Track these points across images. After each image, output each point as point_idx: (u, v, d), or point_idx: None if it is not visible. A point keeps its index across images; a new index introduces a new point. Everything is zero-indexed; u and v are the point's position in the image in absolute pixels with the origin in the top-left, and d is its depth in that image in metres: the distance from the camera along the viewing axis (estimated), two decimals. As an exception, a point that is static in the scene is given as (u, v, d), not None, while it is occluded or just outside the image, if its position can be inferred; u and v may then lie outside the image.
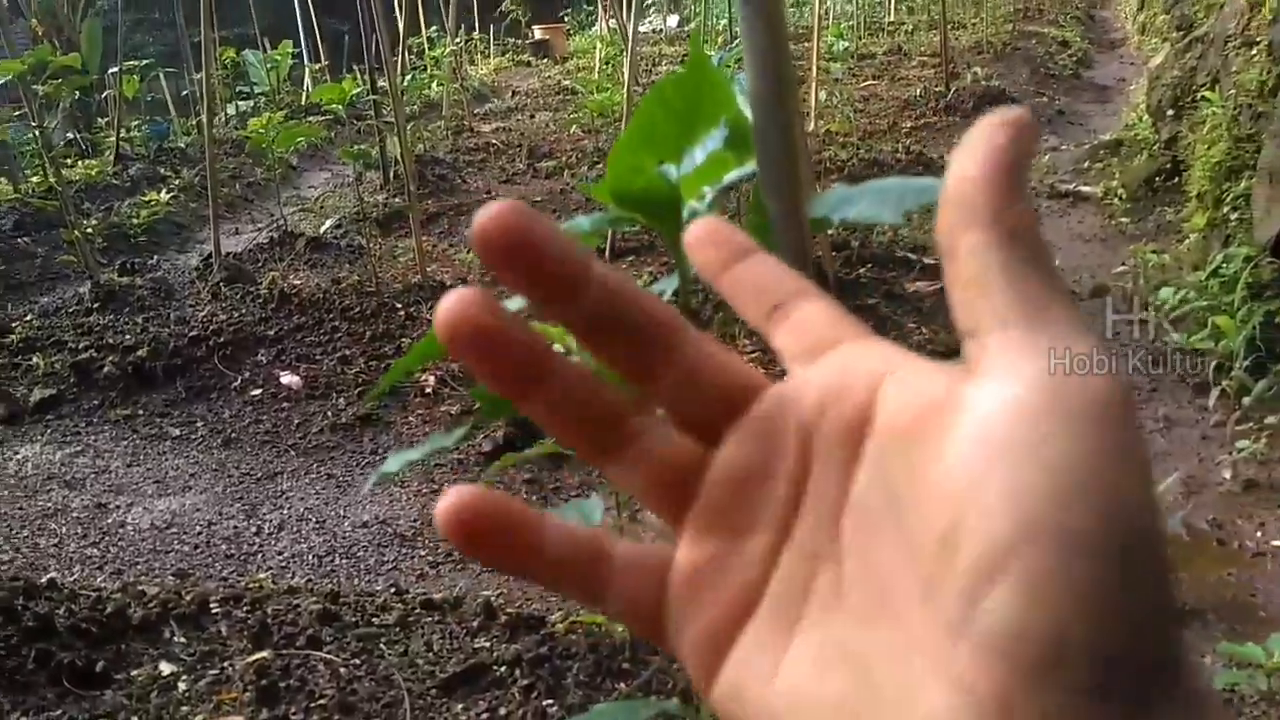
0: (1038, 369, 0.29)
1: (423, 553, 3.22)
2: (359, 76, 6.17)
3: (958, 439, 0.28)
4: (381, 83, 6.70)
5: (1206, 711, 0.27)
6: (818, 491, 0.33)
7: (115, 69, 8.63)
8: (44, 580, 2.73)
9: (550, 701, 1.98)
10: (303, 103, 11.49)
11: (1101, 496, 0.27)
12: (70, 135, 9.06)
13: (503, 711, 2.00)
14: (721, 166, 0.91)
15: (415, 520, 3.41)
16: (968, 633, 0.26)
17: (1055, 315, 0.30)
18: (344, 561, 3.20)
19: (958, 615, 0.27)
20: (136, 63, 9.08)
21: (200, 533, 3.42)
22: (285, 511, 3.53)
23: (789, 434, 0.34)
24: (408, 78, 6.05)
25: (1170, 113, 5.71)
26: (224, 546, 3.33)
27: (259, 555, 3.27)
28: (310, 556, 3.24)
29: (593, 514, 1.23)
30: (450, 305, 0.32)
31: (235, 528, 3.44)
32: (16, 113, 6.90)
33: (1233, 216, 4.38)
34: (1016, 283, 0.30)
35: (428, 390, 4.18)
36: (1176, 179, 5.51)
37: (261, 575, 3.02)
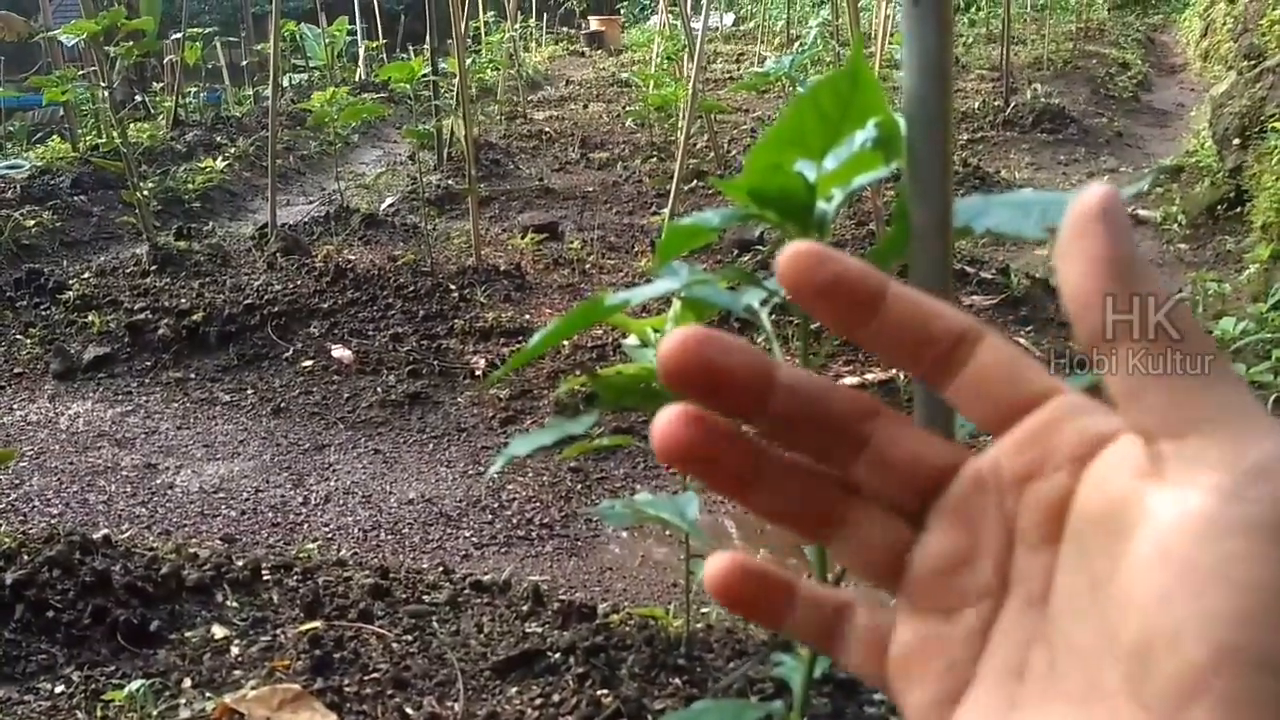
0: (1217, 481, 0.28)
1: (467, 533, 3.23)
2: (424, 56, 6.18)
3: (1140, 549, 0.29)
4: (441, 64, 6.73)
5: None
6: (1024, 572, 0.34)
7: (177, 35, 8.70)
8: (99, 536, 2.75)
9: (605, 691, 1.98)
10: (356, 79, 11.57)
11: None
12: (139, 97, 9.14)
13: (556, 698, 2.00)
14: (854, 169, 0.91)
15: (460, 500, 3.42)
16: None
17: (1228, 417, 0.29)
18: (389, 537, 3.21)
19: None
20: (199, 30, 9.15)
21: (247, 499, 3.45)
22: (332, 484, 3.55)
23: (989, 516, 0.35)
24: (468, 62, 6.08)
25: (1236, 142, 5.64)
26: (270, 514, 3.36)
27: (305, 525, 3.29)
28: (356, 530, 3.25)
29: (688, 509, 1.23)
30: (668, 424, 0.35)
31: (282, 496, 3.47)
32: (80, 73, 6.95)
33: (1299, 250, 4.32)
34: (1180, 388, 0.30)
35: (477, 372, 4.19)
36: (1239, 209, 5.45)
37: (309, 545, 3.04)
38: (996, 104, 8.59)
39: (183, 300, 4.78)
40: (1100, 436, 0.32)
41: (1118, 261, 0.30)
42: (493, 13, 12.23)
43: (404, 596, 2.54)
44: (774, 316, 0.91)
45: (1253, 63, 6.42)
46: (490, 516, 3.31)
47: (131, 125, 8.42)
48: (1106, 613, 0.30)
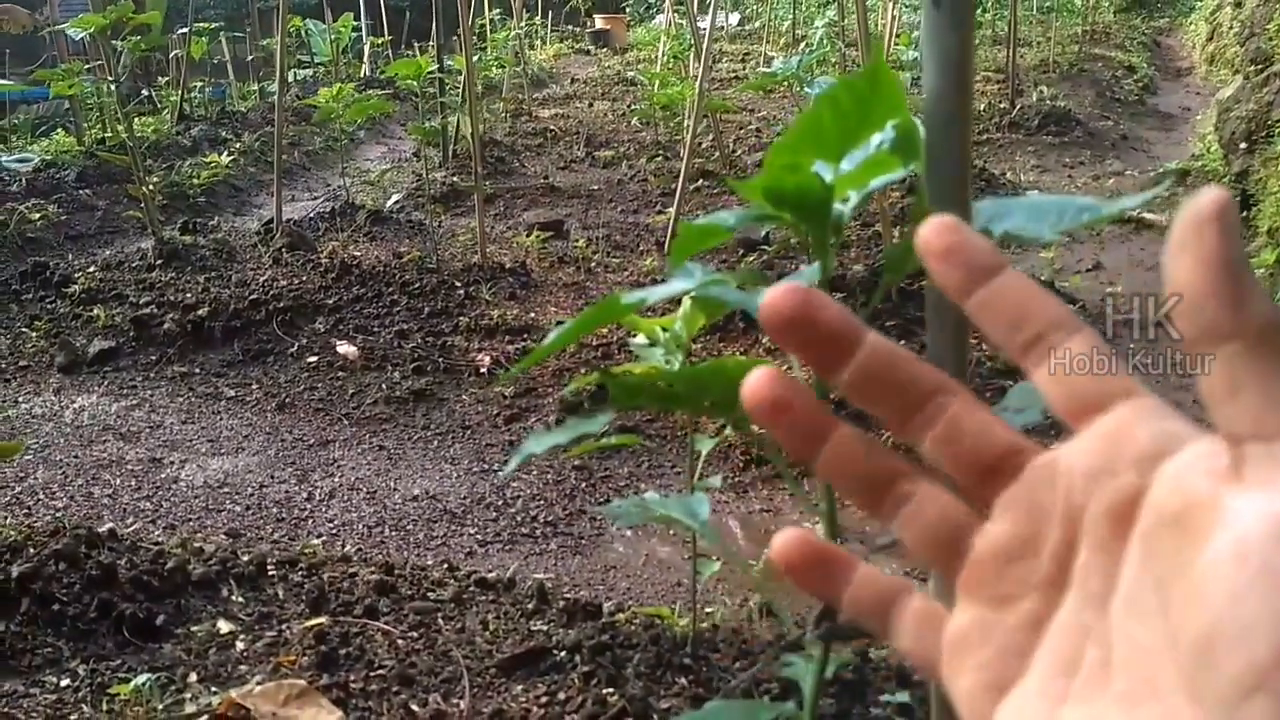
0: None
1: (471, 530, 3.23)
2: (430, 53, 6.19)
3: (1217, 549, 0.29)
4: (447, 61, 6.73)
5: None
6: (1088, 569, 0.34)
7: (183, 30, 8.71)
8: (104, 530, 2.75)
9: (610, 690, 1.98)
10: (361, 75, 11.58)
11: None
12: (145, 91, 9.15)
13: (562, 696, 2.00)
14: (871, 171, 0.91)
15: (464, 497, 3.42)
16: None
17: None
18: (393, 533, 3.21)
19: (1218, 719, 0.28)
20: (205, 25, 9.16)
21: (252, 494, 3.45)
22: (336, 479, 3.55)
23: (1056, 510, 0.35)
24: (474, 59, 6.09)
25: (1243, 146, 5.64)
26: (275, 510, 3.36)
27: (309, 521, 3.29)
28: (360, 526, 3.25)
29: (699, 509, 1.23)
30: (756, 383, 0.39)
31: (286, 492, 3.47)
32: (85, 66, 6.96)
33: (1305, 255, 4.32)
34: (1273, 391, 0.31)
35: (482, 370, 4.19)
36: (1245, 213, 5.44)
37: (314, 541, 3.04)
38: (1002, 106, 8.58)
39: (188, 295, 4.79)
40: (1175, 439, 0.33)
41: (1229, 264, 0.31)
42: (498, 10, 12.23)
43: (409, 593, 2.54)
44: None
45: (1259, 67, 6.42)
46: (494, 514, 3.31)
47: (137, 119, 8.43)
48: (1172, 610, 0.30)
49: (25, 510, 3.26)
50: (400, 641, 2.27)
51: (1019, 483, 0.37)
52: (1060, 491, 0.35)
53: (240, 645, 2.31)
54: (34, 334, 4.59)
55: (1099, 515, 0.34)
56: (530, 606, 2.45)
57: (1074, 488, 0.35)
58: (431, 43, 6.87)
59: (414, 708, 2.02)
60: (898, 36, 6.78)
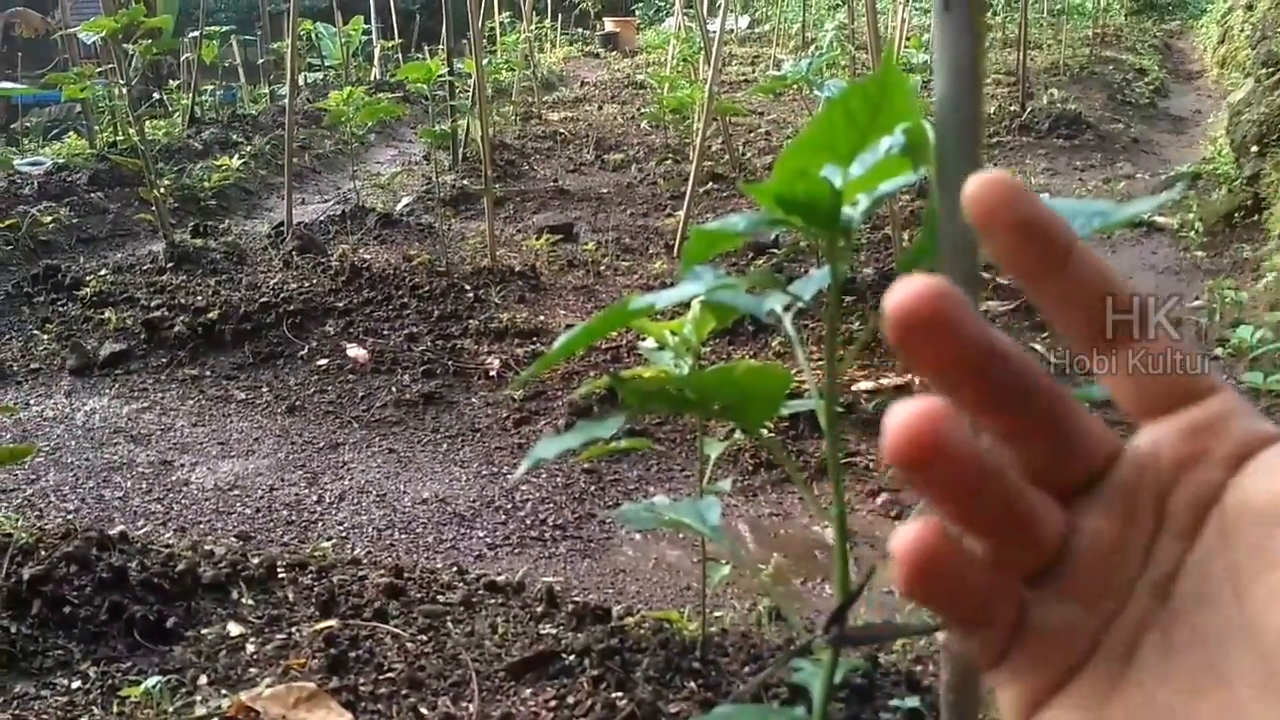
0: None
1: (480, 534, 3.23)
2: (440, 56, 6.20)
3: None
4: (457, 64, 6.75)
5: None
6: (1160, 556, 0.33)
7: (194, 33, 8.74)
8: (115, 532, 2.76)
9: (620, 694, 1.99)
10: (371, 78, 11.61)
11: None
12: (156, 95, 9.19)
13: (571, 700, 2.01)
14: (880, 175, 0.91)
15: (474, 501, 3.42)
16: None
17: None
18: (403, 536, 3.22)
19: None
20: (216, 28, 9.19)
21: (262, 497, 3.46)
22: (346, 482, 3.55)
23: (1147, 505, 0.34)
24: (484, 62, 6.11)
25: (1254, 149, 5.62)
26: (285, 512, 3.36)
27: (319, 524, 3.30)
28: (370, 529, 3.26)
29: (710, 513, 1.23)
30: (903, 424, 0.31)
31: (296, 495, 3.47)
32: (97, 70, 6.99)
33: (1317, 259, 4.30)
34: None
35: (491, 373, 4.19)
36: (1257, 216, 5.42)
37: (324, 544, 3.05)
38: (1013, 109, 8.57)
39: (199, 298, 4.80)
40: (1262, 437, 0.32)
41: None
42: (508, 13, 12.25)
43: (418, 596, 2.54)
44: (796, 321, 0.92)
45: (1271, 70, 6.40)
46: (504, 517, 3.31)
47: (148, 123, 8.46)
48: (1250, 602, 0.30)
49: (37, 512, 3.27)
50: (409, 645, 2.28)
51: (1112, 477, 0.34)
52: (1149, 484, 0.34)
53: (250, 648, 2.31)
54: (45, 336, 4.61)
55: (1182, 508, 0.33)
56: (539, 610, 2.45)
57: (1161, 478, 0.33)
58: (441, 46, 6.89)
59: (423, 711, 2.02)
60: (908, 39, 6.79)
